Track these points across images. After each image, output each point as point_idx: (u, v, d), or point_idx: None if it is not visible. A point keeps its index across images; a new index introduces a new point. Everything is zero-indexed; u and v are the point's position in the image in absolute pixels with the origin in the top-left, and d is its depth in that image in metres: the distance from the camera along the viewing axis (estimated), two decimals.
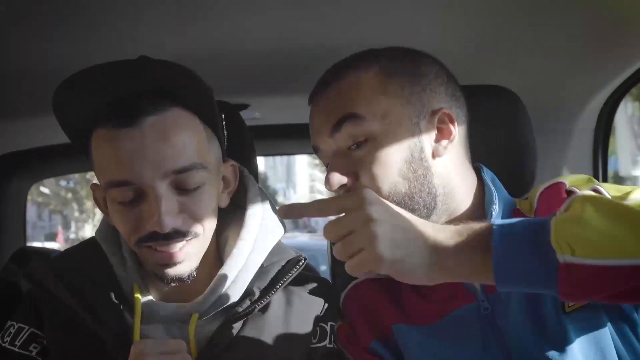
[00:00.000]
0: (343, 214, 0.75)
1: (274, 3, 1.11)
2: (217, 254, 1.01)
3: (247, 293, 0.96)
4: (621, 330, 0.87)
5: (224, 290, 0.95)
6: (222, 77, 1.22)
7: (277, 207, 1.06)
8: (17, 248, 2.06)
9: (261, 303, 0.96)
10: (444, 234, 0.73)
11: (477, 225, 0.74)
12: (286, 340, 0.96)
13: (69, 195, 19.87)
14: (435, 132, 0.95)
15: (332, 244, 1.54)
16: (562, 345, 0.86)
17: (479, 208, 0.97)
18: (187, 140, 0.88)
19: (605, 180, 1.54)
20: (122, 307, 0.95)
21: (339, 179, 0.91)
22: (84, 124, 0.91)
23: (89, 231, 20.12)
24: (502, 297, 0.91)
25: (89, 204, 19.93)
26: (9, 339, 0.98)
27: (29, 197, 2.36)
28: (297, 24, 1.22)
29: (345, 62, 0.99)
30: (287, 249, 1.03)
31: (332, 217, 0.77)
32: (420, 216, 0.84)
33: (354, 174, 0.92)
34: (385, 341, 0.99)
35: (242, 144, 1.16)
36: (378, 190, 0.88)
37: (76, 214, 20.58)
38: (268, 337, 0.96)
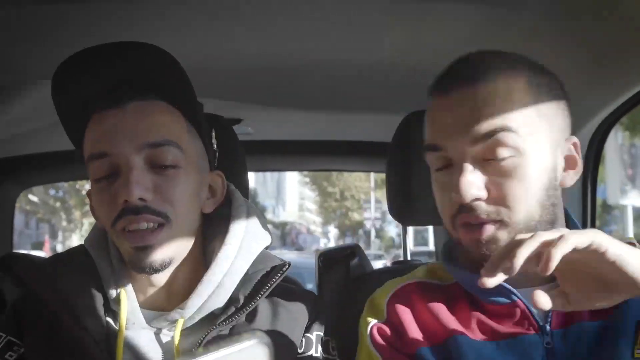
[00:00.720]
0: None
1: (269, 20, 1.12)
2: (203, 263, 1.01)
3: (232, 300, 0.96)
4: None
5: (208, 295, 0.95)
6: (215, 91, 1.23)
7: (265, 220, 1.07)
8: (2, 254, 2.05)
9: (246, 310, 0.95)
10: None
11: None
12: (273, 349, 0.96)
13: (58, 204, 19.87)
14: (564, 160, 0.92)
15: (319, 262, 1.55)
16: None
17: None
18: (166, 122, 0.92)
19: (593, 207, 1.55)
20: (106, 313, 0.95)
21: (477, 191, 0.85)
22: (79, 111, 0.94)
23: (75, 241, 20.03)
24: (569, 336, 0.87)
25: (77, 213, 19.92)
26: None
27: (17, 205, 2.35)
28: (292, 40, 1.23)
29: (490, 63, 0.89)
30: (272, 256, 1.03)
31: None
32: None
33: (489, 189, 0.86)
34: (438, 350, 0.92)
35: (233, 159, 1.17)
36: (515, 212, 0.85)
37: (64, 223, 20.55)
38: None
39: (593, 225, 1.55)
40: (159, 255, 0.90)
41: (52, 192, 18.36)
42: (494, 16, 1.14)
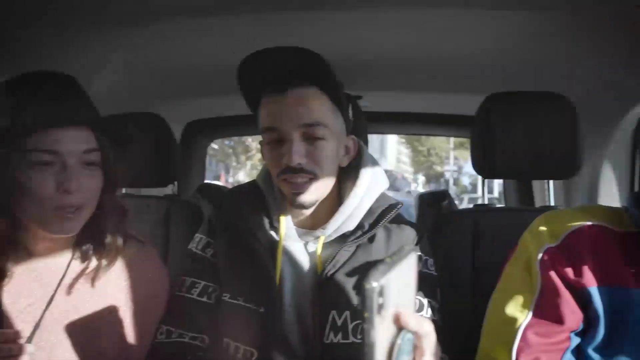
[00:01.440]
0: None
1: (403, 18, 1.10)
2: (337, 200, 1.01)
3: (359, 226, 0.97)
4: None
5: (342, 221, 0.96)
6: (346, 75, 1.22)
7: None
8: (199, 184, 2.20)
9: (369, 234, 0.96)
10: None
11: None
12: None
13: (230, 150, 20.75)
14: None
15: (419, 201, 1.54)
16: None
17: None
18: (317, 107, 0.92)
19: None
20: (270, 229, 0.99)
21: None
22: (254, 91, 0.96)
23: (241, 176, 20.95)
24: None
25: (242, 157, 20.71)
26: (194, 245, 1.05)
27: None
28: (416, 33, 1.20)
29: None
30: (389, 197, 1.03)
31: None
32: None
33: None
34: (606, 294, 0.76)
35: (358, 124, 1.16)
36: None
37: (233, 163, 21.44)
38: (373, 261, 0.96)
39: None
40: (307, 198, 0.93)
41: (226, 142, 19.22)
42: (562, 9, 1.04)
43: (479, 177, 1.27)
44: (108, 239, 0.92)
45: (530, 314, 0.79)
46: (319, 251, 0.96)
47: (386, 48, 1.29)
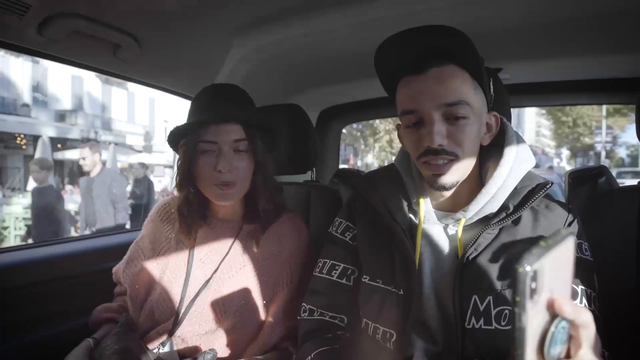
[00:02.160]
0: None
1: None
2: (479, 181, 0.97)
3: (503, 207, 0.92)
4: None
5: (485, 203, 0.92)
6: (485, 49, 1.15)
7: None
8: (335, 169, 2.26)
9: (514, 216, 0.90)
10: None
11: None
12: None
13: (358, 134, 21.02)
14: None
15: (569, 179, 1.38)
16: None
17: None
18: (458, 85, 0.87)
19: None
20: (410, 212, 0.98)
21: None
22: (392, 74, 0.94)
23: (370, 158, 21.16)
24: None
25: (371, 140, 20.87)
26: (334, 228, 1.09)
27: None
28: None
29: None
30: (536, 176, 0.95)
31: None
32: None
33: None
34: None
35: (500, 98, 1.08)
36: None
37: (362, 147, 21.73)
38: (519, 244, 0.90)
39: None
40: (448, 179, 0.90)
41: (354, 125, 19.48)
42: None
43: None
44: (266, 208, 1.19)
45: None
46: (460, 234, 0.93)
47: (530, 11, 1.16)
